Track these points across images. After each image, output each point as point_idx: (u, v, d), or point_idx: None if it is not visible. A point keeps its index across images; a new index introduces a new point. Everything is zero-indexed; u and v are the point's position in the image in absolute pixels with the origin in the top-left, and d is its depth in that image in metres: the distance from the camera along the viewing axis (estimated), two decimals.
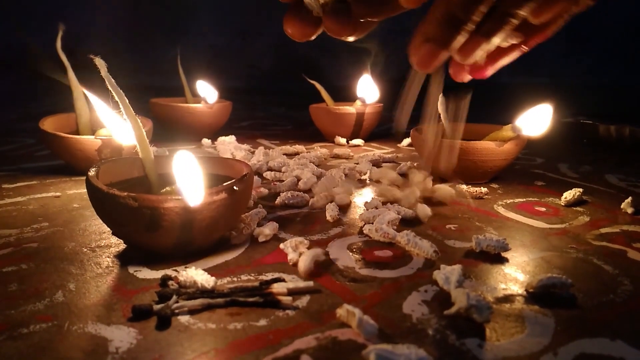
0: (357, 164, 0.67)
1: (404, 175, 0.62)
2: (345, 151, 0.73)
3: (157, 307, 0.29)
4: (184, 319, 0.29)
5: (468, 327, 0.28)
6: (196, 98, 0.89)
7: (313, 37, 0.32)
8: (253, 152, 0.73)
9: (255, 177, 0.54)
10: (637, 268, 0.37)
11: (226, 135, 0.83)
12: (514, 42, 0.29)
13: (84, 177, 0.37)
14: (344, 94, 0.96)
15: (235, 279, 0.34)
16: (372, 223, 0.43)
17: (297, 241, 0.38)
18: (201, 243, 0.37)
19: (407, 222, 0.45)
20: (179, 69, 0.88)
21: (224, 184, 0.37)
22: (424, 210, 0.46)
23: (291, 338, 0.27)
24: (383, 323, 0.29)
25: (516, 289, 0.33)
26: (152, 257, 0.36)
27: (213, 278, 0.32)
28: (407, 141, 0.84)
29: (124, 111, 0.40)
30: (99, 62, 0.38)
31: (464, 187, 0.55)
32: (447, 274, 0.32)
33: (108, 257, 0.37)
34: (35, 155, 0.71)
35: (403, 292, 0.32)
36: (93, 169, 0.38)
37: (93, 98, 0.45)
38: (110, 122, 0.47)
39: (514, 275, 0.35)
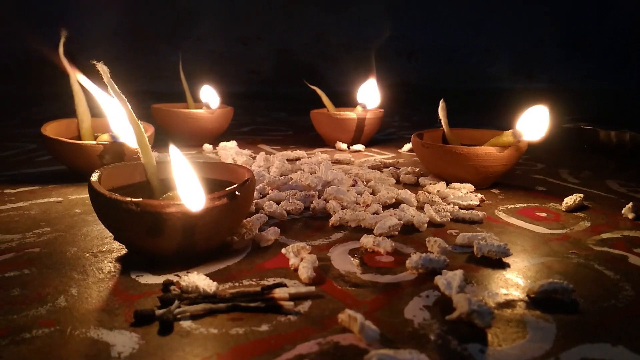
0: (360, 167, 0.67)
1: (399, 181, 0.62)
2: (346, 156, 0.74)
3: (159, 312, 0.29)
4: (186, 324, 0.29)
5: (470, 332, 0.28)
6: (197, 103, 0.90)
7: None
8: (254, 158, 0.73)
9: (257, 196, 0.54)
10: (638, 273, 0.37)
11: (227, 140, 0.83)
12: None
13: (86, 183, 0.37)
14: (345, 100, 0.97)
15: (237, 284, 0.34)
16: (373, 229, 0.44)
17: (298, 246, 0.38)
18: (203, 248, 0.37)
19: (409, 228, 0.46)
20: (181, 75, 0.88)
21: (226, 189, 0.37)
22: (420, 218, 0.45)
23: (293, 343, 0.27)
24: (385, 328, 0.29)
25: (517, 294, 0.33)
26: (154, 262, 0.36)
27: (215, 283, 0.32)
28: (407, 146, 0.85)
29: (127, 117, 0.40)
30: (102, 68, 0.38)
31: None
32: (449, 279, 0.32)
33: (110, 262, 0.37)
34: (36, 161, 0.71)
35: (405, 297, 0.32)
36: (95, 174, 0.38)
37: (99, 97, 0.45)
38: (115, 122, 0.47)
39: (515, 281, 0.35)
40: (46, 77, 1.46)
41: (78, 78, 0.43)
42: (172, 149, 0.37)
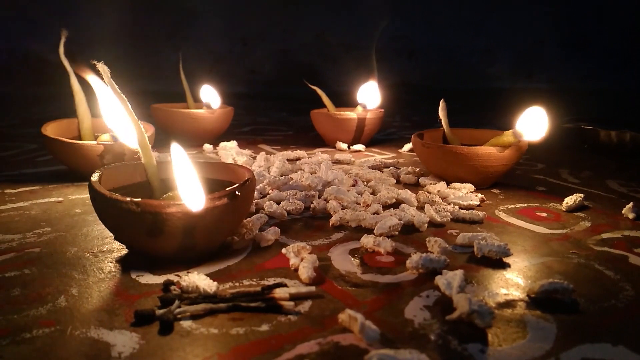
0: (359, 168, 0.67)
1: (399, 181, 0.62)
2: (347, 156, 0.74)
3: (159, 312, 0.29)
4: (186, 324, 0.29)
5: (470, 332, 0.28)
6: (198, 104, 0.90)
7: None
8: (254, 158, 0.73)
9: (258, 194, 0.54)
10: (638, 273, 0.37)
11: (228, 140, 0.83)
12: None
13: (86, 183, 0.37)
14: (345, 100, 0.97)
15: (237, 284, 0.34)
16: (373, 229, 0.44)
17: (299, 246, 0.38)
18: (203, 248, 0.37)
19: (409, 228, 0.46)
20: (181, 75, 0.88)
21: (226, 189, 0.37)
22: (420, 218, 0.45)
23: (293, 343, 0.27)
24: (385, 328, 0.29)
25: (518, 294, 0.33)
26: (154, 262, 0.36)
27: (215, 283, 0.32)
28: (408, 146, 0.85)
29: (127, 117, 0.40)
30: (102, 68, 0.38)
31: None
32: (449, 279, 0.32)
33: (110, 262, 0.37)
34: (37, 161, 0.71)
35: (405, 297, 0.32)
36: (95, 174, 0.38)
37: (100, 97, 0.45)
38: (115, 122, 0.47)
39: (516, 281, 0.35)
40: (46, 77, 1.46)
41: (89, 79, 0.43)
42: (174, 147, 0.37)
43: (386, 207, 0.51)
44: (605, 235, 0.45)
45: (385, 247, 0.39)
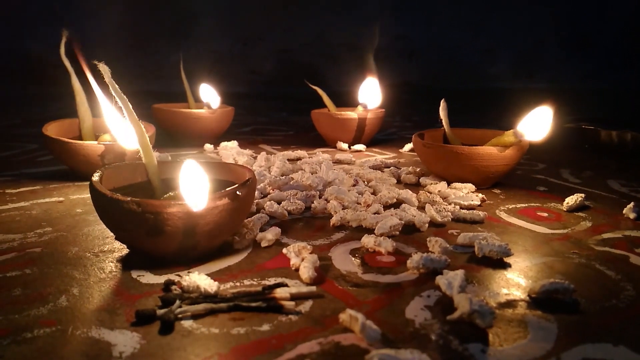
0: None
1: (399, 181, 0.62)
2: (347, 156, 0.74)
3: (160, 311, 0.29)
4: (187, 323, 0.29)
5: (471, 332, 0.28)
6: (198, 103, 0.90)
7: None
8: (255, 158, 0.73)
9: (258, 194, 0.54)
10: (639, 273, 0.37)
11: (228, 140, 0.83)
12: None
13: (87, 182, 0.38)
14: (346, 99, 0.97)
15: (238, 283, 0.34)
16: (374, 229, 0.44)
17: (299, 246, 0.38)
18: (204, 248, 0.37)
19: (410, 228, 0.46)
20: (182, 75, 0.88)
21: (227, 189, 0.37)
22: (421, 218, 0.45)
23: (294, 343, 0.27)
24: (386, 328, 0.29)
25: (519, 294, 0.33)
26: (155, 262, 0.36)
27: (216, 283, 0.32)
28: (408, 146, 0.85)
29: (128, 116, 0.40)
30: (103, 68, 0.38)
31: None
32: (450, 279, 0.32)
33: (111, 261, 0.37)
34: (38, 161, 0.71)
35: (406, 297, 0.32)
36: (96, 174, 0.38)
37: (101, 99, 0.45)
38: (115, 124, 0.47)
39: (517, 281, 0.35)
40: (47, 77, 1.46)
41: (88, 78, 0.43)
42: (189, 162, 0.37)
43: (387, 207, 0.51)
44: (606, 235, 0.45)
45: (386, 247, 0.39)
